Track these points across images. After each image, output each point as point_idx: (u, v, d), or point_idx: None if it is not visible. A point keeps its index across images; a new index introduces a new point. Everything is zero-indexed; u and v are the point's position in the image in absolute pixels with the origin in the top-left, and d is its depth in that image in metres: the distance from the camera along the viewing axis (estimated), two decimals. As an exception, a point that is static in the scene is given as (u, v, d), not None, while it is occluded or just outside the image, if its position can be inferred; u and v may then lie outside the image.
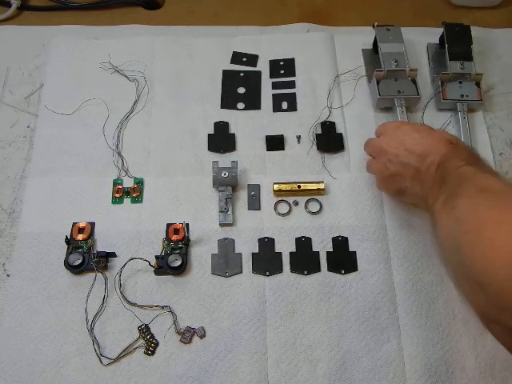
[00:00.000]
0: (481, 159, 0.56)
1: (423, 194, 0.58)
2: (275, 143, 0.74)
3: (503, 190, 0.47)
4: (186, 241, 0.65)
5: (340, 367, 0.59)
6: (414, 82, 0.75)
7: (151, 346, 0.59)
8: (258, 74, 0.81)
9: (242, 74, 0.80)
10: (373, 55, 0.80)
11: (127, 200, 0.69)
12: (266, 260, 0.65)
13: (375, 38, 0.78)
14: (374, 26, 0.79)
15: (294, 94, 0.78)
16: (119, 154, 0.72)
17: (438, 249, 0.55)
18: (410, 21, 0.83)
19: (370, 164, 0.67)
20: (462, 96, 0.75)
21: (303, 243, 0.66)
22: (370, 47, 0.81)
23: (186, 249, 0.65)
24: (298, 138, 0.74)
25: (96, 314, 0.61)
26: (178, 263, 0.63)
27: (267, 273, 0.64)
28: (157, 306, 0.62)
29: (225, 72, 0.80)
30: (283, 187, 0.69)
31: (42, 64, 0.81)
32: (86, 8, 0.88)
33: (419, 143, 0.59)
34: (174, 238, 0.65)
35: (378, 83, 0.75)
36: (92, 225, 0.67)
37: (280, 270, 0.64)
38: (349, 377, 0.59)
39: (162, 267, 0.63)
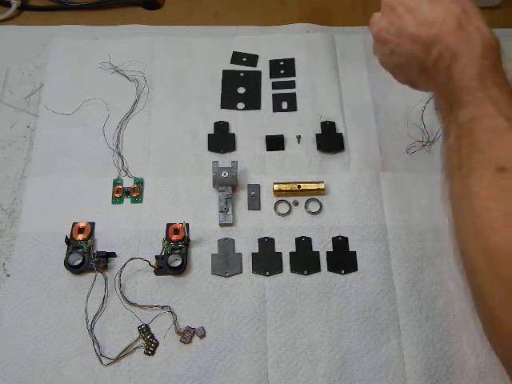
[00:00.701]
0: (496, 57, 0.46)
1: (437, 92, 0.50)
2: (275, 143, 0.74)
3: None
4: (186, 241, 0.65)
5: (340, 367, 0.59)
6: None
7: (151, 345, 0.59)
8: (258, 74, 0.81)
9: (242, 74, 0.80)
10: None
11: (127, 200, 0.69)
12: (266, 260, 0.65)
13: None
14: None
15: (293, 94, 0.78)
16: (119, 154, 0.72)
17: (449, 209, 0.46)
18: (409, 21, 0.83)
19: (373, 49, 0.57)
20: (462, 96, 0.74)
21: (303, 243, 0.66)
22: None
23: (186, 249, 0.65)
24: (298, 138, 0.74)
25: (96, 314, 0.61)
26: (178, 263, 0.63)
27: (267, 273, 0.64)
28: (157, 306, 0.62)
29: (225, 72, 0.80)
30: (283, 187, 0.69)
31: (42, 64, 0.81)
32: (86, 8, 0.88)
33: (422, 25, 0.48)
34: (174, 238, 0.65)
35: None
36: (92, 225, 0.67)
37: (280, 270, 0.64)
38: (349, 377, 0.59)
39: (162, 267, 0.63)
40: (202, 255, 0.65)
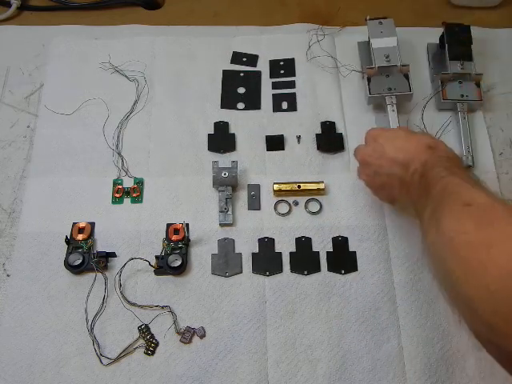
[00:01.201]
0: (460, 164, 0.57)
1: (412, 203, 0.57)
2: (275, 143, 0.74)
3: (487, 205, 0.47)
4: (186, 241, 0.65)
5: (340, 367, 0.59)
6: (406, 77, 0.74)
7: (151, 345, 0.59)
8: (258, 74, 0.81)
9: (242, 74, 0.80)
10: (368, 49, 0.79)
11: (127, 200, 0.69)
12: (266, 260, 0.65)
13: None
14: (366, 20, 0.78)
15: (293, 94, 0.78)
16: (119, 154, 0.72)
17: (428, 260, 0.56)
18: (410, 21, 0.83)
19: (359, 173, 0.67)
20: (462, 96, 0.75)
21: (303, 243, 0.66)
22: (367, 40, 0.79)
23: (186, 249, 0.65)
24: (298, 138, 0.74)
25: (96, 314, 0.61)
26: (178, 263, 0.63)
27: (267, 273, 0.64)
28: (157, 306, 0.62)
29: (225, 72, 0.80)
30: (283, 187, 0.69)
31: (41, 64, 0.81)
32: (85, 8, 0.88)
33: (400, 151, 0.59)
34: (174, 238, 0.65)
35: (369, 80, 0.74)
36: (92, 225, 0.67)
37: (280, 270, 0.65)
38: (349, 377, 0.59)
39: (162, 267, 0.63)
40: (202, 255, 0.65)
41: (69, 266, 0.63)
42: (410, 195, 0.58)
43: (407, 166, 0.57)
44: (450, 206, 0.49)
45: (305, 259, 0.65)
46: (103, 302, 0.62)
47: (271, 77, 0.80)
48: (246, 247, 0.66)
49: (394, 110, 0.73)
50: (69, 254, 0.64)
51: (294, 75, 0.80)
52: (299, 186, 0.69)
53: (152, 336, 0.60)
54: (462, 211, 0.47)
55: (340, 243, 0.66)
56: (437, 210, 0.50)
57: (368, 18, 0.78)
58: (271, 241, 0.66)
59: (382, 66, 0.74)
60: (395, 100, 0.73)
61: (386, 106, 0.73)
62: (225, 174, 0.68)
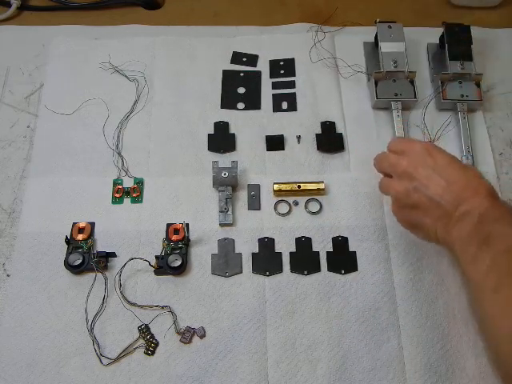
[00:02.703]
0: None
1: (447, 241, 0.53)
2: (275, 143, 0.74)
3: None
4: (186, 241, 0.65)
5: (340, 367, 0.59)
6: (412, 83, 0.75)
7: (151, 345, 0.59)
8: (258, 74, 0.81)
9: (242, 74, 0.80)
10: (374, 50, 0.80)
11: (127, 200, 0.69)
12: (266, 260, 0.65)
13: (376, 33, 0.78)
14: (376, 22, 0.79)
15: (293, 94, 0.78)
16: (119, 154, 0.72)
17: (476, 314, 0.54)
18: (410, 21, 0.83)
19: (386, 184, 0.60)
20: (462, 96, 0.75)
21: (303, 243, 0.66)
22: (370, 40, 0.81)
23: (186, 249, 0.65)
24: (298, 138, 0.74)
25: (96, 314, 0.61)
26: (178, 263, 0.63)
27: (267, 273, 0.64)
28: (157, 306, 0.62)
29: (225, 72, 0.80)
30: (283, 187, 0.69)
31: (42, 64, 0.81)
32: (85, 8, 0.88)
33: (456, 182, 0.52)
34: (174, 238, 0.65)
35: (376, 84, 0.75)
36: (92, 225, 0.67)
37: (280, 270, 0.65)
38: (349, 377, 0.59)
39: (162, 267, 0.63)
40: (202, 255, 0.65)
41: (69, 266, 0.63)
42: (447, 232, 0.52)
43: (460, 202, 0.51)
44: None
45: (305, 259, 0.65)
46: (103, 302, 0.62)
47: (271, 77, 0.80)
48: (246, 247, 0.66)
49: (399, 116, 0.73)
50: (69, 254, 0.64)
51: (294, 75, 0.80)
52: (299, 186, 0.69)
53: (152, 336, 0.60)
54: None
55: (340, 243, 0.66)
56: (503, 277, 0.47)
57: (378, 20, 0.78)
58: (271, 241, 0.66)
59: (390, 70, 0.75)
60: (400, 106, 0.74)
61: (391, 111, 0.74)
62: (225, 174, 0.68)
